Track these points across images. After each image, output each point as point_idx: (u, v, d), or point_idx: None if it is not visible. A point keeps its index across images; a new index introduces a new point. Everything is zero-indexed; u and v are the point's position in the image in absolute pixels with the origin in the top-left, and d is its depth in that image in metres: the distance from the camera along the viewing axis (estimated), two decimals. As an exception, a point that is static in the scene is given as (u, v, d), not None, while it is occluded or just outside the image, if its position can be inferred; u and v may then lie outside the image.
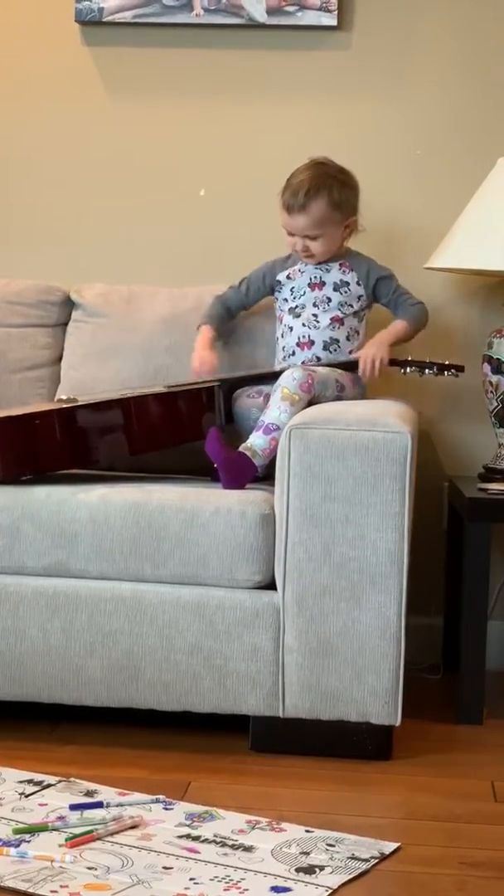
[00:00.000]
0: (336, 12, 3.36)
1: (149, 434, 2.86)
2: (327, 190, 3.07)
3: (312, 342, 3.11)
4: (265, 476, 2.83)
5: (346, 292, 3.13)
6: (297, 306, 3.14)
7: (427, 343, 3.26)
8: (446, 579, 3.35)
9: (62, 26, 3.47)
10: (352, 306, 3.13)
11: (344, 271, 3.14)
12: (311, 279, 3.14)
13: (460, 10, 3.39)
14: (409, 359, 3.14)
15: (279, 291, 3.19)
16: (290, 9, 3.37)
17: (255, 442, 2.84)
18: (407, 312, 3.15)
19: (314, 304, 3.12)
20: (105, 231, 3.51)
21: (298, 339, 3.12)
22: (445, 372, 3.14)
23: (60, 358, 3.32)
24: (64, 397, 2.96)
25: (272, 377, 2.99)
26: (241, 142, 3.46)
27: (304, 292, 3.14)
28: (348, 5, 3.39)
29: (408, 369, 3.13)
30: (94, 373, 3.23)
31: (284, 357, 3.13)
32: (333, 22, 3.37)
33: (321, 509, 2.59)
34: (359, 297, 3.14)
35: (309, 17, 3.37)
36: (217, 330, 3.18)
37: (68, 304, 3.35)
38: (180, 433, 2.90)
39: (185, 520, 2.63)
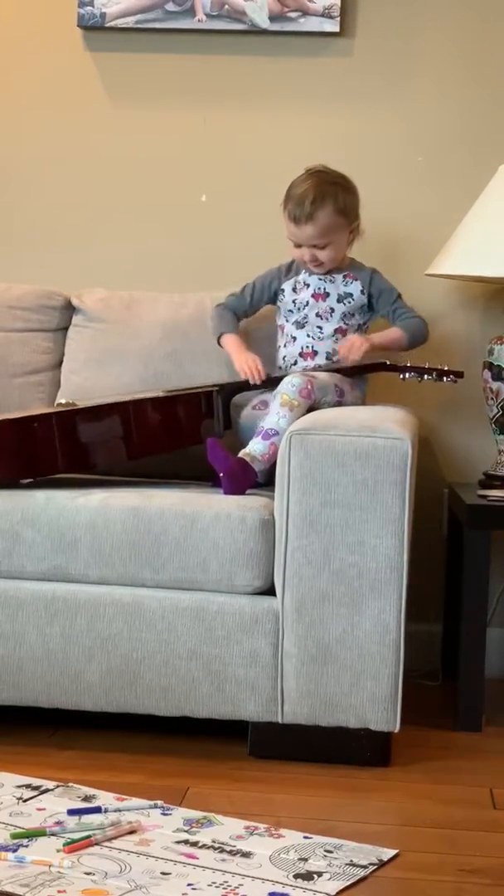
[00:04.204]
0: (338, 18, 3.36)
1: (147, 438, 2.86)
2: (332, 197, 3.06)
3: (316, 352, 3.11)
4: (266, 482, 2.83)
5: (349, 303, 3.13)
6: (301, 317, 3.14)
7: (428, 349, 3.26)
8: (446, 586, 3.35)
9: (64, 31, 3.47)
10: (354, 316, 3.13)
11: (347, 282, 3.14)
12: (315, 291, 3.13)
13: (462, 17, 3.39)
14: (408, 364, 3.14)
15: (281, 301, 3.19)
16: (293, 15, 3.37)
17: (254, 447, 2.84)
18: (403, 323, 3.14)
19: (317, 315, 3.12)
20: (106, 236, 3.52)
21: (302, 348, 3.12)
22: (444, 378, 3.14)
23: (61, 362, 3.32)
24: (63, 402, 2.96)
25: (272, 383, 2.99)
26: (242, 147, 3.47)
27: (308, 303, 3.13)
28: (351, 12, 3.40)
29: (406, 375, 3.13)
30: (94, 378, 3.23)
31: (286, 366, 3.13)
32: (336, 28, 3.37)
33: (321, 515, 2.59)
34: (362, 308, 3.14)
35: (311, 24, 3.37)
36: (240, 337, 3.16)
37: (69, 309, 3.35)
38: (178, 438, 2.90)
39: (185, 525, 2.63)
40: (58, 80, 3.51)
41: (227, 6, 3.39)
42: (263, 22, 3.39)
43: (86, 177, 3.52)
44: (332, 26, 3.37)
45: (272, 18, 3.39)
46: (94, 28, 3.45)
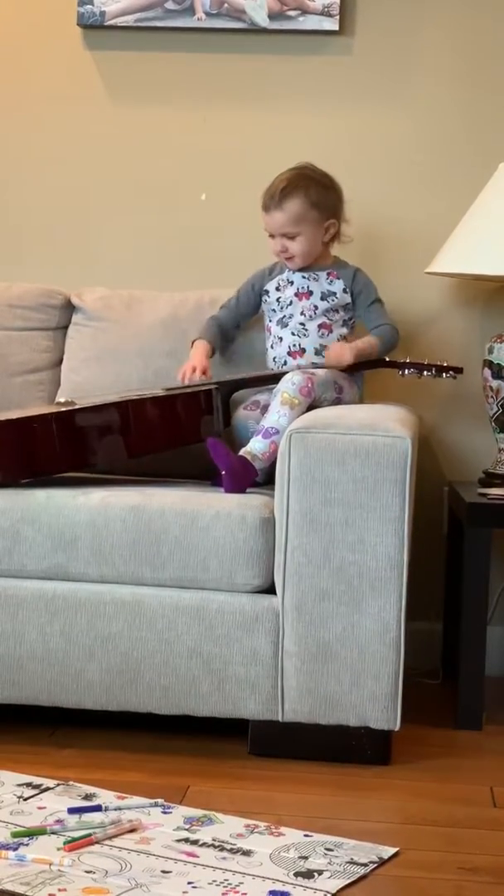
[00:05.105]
0: (338, 17, 3.36)
1: (146, 437, 2.86)
2: (304, 189, 3.08)
3: (303, 350, 3.11)
4: (266, 481, 2.83)
5: (332, 300, 3.13)
6: (284, 316, 3.14)
7: (428, 348, 3.27)
8: (446, 584, 3.35)
9: (64, 30, 3.47)
10: (338, 312, 3.13)
11: (331, 280, 3.14)
12: (298, 289, 3.14)
13: (462, 16, 3.39)
14: (408, 360, 3.13)
15: (266, 302, 3.19)
16: (292, 13, 3.37)
17: (255, 446, 2.84)
18: (377, 332, 3.13)
19: (301, 313, 3.12)
20: (106, 235, 3.52)
21: (289, 348, 3.12)
22: (444, 374, 3.13)
23: (61, 361, 3.33)
24: (63, 400, 2.96)
25: (271, 380, 2.99)
26: (241, 146, 3.47)
27: (291, 301, 3.14)
28: (350, 10, 3.40)
29: (406, 371, 3.12)
30: (94, 376, 3.23)
31: (277, 367, 3.13)
32: (335, 27, 3.37)
33: (321, 513, 2.59)
34: (346, 305, 3.14)
35: (311, 22, 3.37)
36: (211, 344, 3.16)
37: (69, 308, 3.35)
38: (178, 436, 2.90)
39: (185, 523, 2.63)
40: (57, 79, 3.51)
41: (226, 5, 3.39)
42: (263, 20, 3.39)
43: (86, 175, 3.52)
44: (331, 25, 3.37)
45: (271, 17, 3.39)
46: (93, 27, 3.45)
